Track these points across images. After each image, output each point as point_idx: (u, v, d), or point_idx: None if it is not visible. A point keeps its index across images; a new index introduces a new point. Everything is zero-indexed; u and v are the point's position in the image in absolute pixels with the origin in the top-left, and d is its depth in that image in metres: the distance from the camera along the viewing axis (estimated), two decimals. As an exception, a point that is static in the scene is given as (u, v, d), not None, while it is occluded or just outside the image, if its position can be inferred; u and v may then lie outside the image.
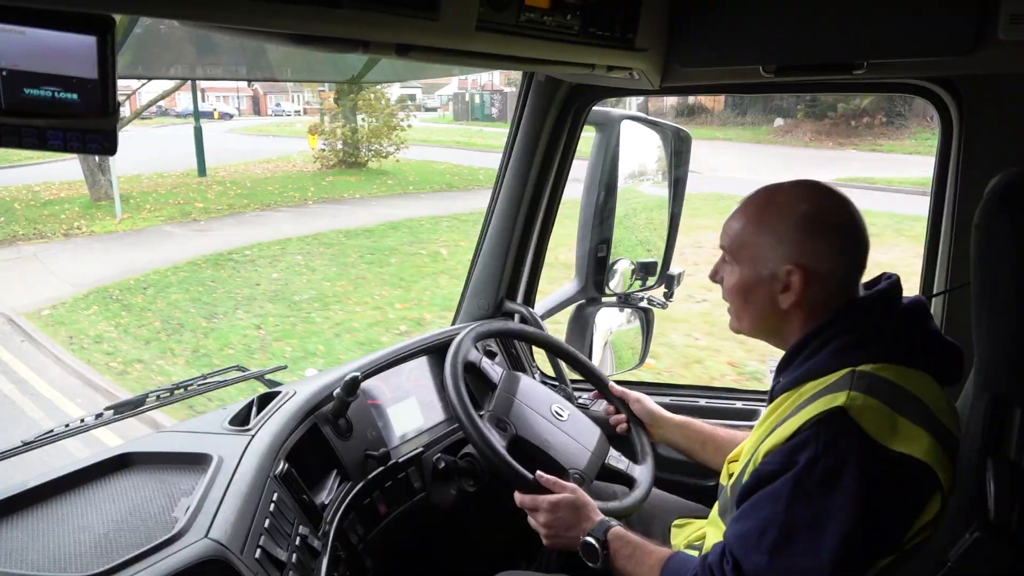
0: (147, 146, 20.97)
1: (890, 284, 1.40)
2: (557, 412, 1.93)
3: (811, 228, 1.36)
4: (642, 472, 1.89)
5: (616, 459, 1.93)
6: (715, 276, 1.52)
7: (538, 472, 1.67)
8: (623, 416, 1.99)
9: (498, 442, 1.72)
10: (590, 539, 1.54)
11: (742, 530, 1.29)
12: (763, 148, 19.56)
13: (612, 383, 2.06)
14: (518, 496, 1.67)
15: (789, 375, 1.39)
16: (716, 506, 1.55)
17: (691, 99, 22.42)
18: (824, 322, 1.36)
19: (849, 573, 1.22)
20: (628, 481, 1.88)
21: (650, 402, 1.98)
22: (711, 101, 24.24)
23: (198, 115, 19.04)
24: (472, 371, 1.95)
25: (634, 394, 2.01)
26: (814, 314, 1.38)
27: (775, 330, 1.44)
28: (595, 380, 2.10)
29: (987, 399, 1.15)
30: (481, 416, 1.78)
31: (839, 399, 1.23)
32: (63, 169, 16.39)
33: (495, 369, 2.01)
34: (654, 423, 1.95)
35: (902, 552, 1.24)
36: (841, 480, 1.19)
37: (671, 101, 21.72)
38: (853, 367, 1.28)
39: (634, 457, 1.95)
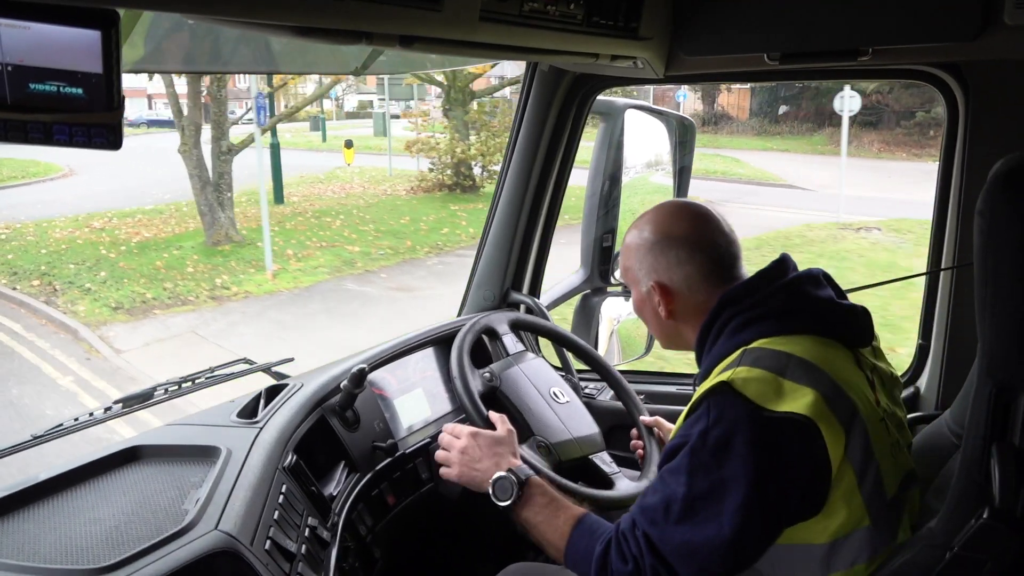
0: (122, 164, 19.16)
1: (776, 262, 1.46)
2: (555, 394, 1.94)
3: (656, 246, 1.48)
4: (636, 484, 1.89)
5: (604, 462, 1.93)
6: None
7: (490, 411, 1.74)
8: (642, 443, 2.00)
9: (475, 386, 1.80)
10: (508, 474, 1.55)
11: (649, 503, 1.33)
12: (836, 160, 17.74)
13: (643, 418, 2.04)
14: (445, 426, 1.72)
15: (702, 367, 1.46)
16: None
17: (716, 106, 21.88)
18: (713, 312, 1.43)
19: (754, 536, 1.26)
20: (607, 485, 1.87)
21: (667, 428, 1.98)
22: (735, 109, 23.93)
23: (274, 130, 14.90)
24: (490, 337, 1.99)
25: (668, 425, 2.01)
26: (699, 316, 1.46)
27: (678, 339, 1.55)
28: (612, 381, 2.14)
29: (991, 385, 1.15)
30: (478, 371, 1.86)
31: (725, 375, 1.28)
32: (101, 191, 15.52)
33: (515, 345, 2.03)
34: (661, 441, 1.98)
35: (825, 516, 1.25)
36: (732, 448, 1.22)
37: (692, 109, 21.32)
38: (744, 346, 1.34)
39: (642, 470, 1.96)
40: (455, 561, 2.12)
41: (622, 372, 2.17)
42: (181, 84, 13.19)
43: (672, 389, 2.51)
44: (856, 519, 1.25)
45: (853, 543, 1.26)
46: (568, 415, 1.93)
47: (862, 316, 1.43)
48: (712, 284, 1.45)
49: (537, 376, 1.96)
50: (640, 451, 1.99)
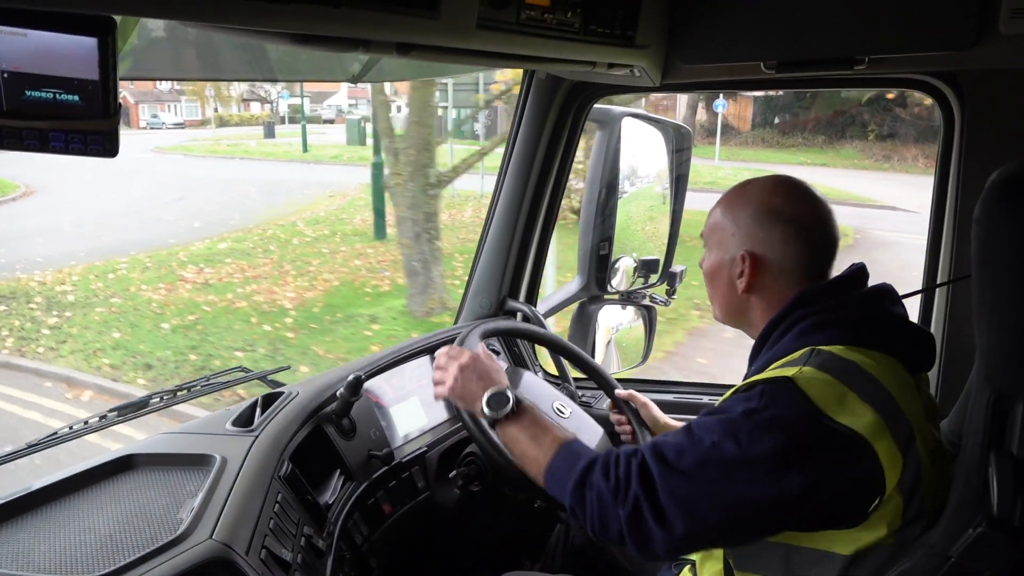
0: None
1: (853, 270, 1.43)
2: (559, 409, 1.93)
3: (765, 218, 1.41)
4: None
5: None
6: (701, 263, 1.57)
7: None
8: (625, 418, 2.00)
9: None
10: (505, 389, 1.52)
11: (664, 440, 1.30)
12: (888, 176, 17.13)
13: (619, 391, 2.05)
14: (439, 352, 1.67)
15: (758, 362, 1.42)
16: None
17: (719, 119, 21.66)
18: (785, 308, 1.40)
19: (749, 521, 1.24)
20: None
21: (655, 410, 1.99)
22: (736, 119, 23.72)
23: (377, 146, 11.07)
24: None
25: (641, 398, 2.01)
26: (773, 302, 1.42)
27: (740, 316, 1.49)
28: (600, 380, 2.10)
29: (989, 393, 1.15)
30: None
31: (790, 371, 1.25)
32: (92, 217, 13.24)
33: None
34: (657, 430, 1.97)
35: (859, 531, 1.24)
36: (770, 434, 1.20)
37: (697, 118, 21.05)
38: (813, 347, 1.30)
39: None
40: (451, 570, 2.11)
41: (620, 380, 2.16)
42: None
43: (670, 397, 2.51)
44: (883, 538, 1.23)
45: (873, 558, 1.24)
46: (576, 427, 1.92)
47: (928, 341, 1.40)
48: (803, 275, 1.41)
49: (537, 397, 1.94)
50: (625, 426, 2.00)
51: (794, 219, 1.41)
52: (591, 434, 1.94)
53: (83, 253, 10.86)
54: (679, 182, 2.62)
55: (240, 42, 1.52)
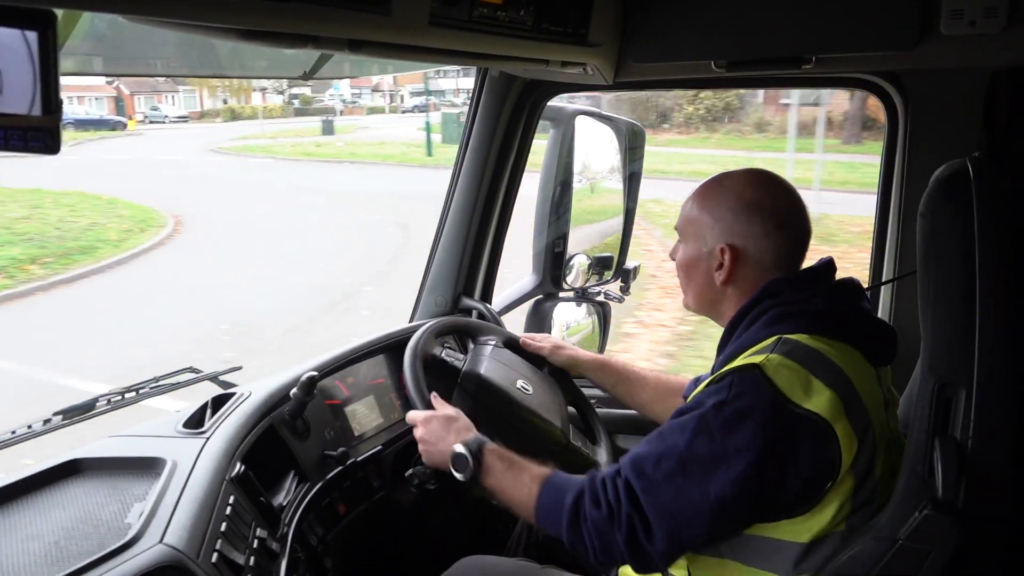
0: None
1: (822, 263, 1.48)
2: (523, 387, 1.94)
3: (745, 210, 1.44)
4: (601, 455, 1.93)
5: (578, 441, 1.97)
6: (673, 254, 1.59)
7: (433, 393, 1.75)
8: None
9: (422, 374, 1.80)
10: (461, 448, 1.56)
11: (640, 452, 1.33)
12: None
13: (522, 338, 2.11)
14: (409, 414, 1.73)
15: (726, 351, 1.45)
16: None
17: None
18: (755, 297, 1.43)
19: (736, 514, 1.28)
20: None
21: (566, 347, 2.07)
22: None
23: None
24: (434, 366, 1.95)
25: (547, 345, 2.08)
26: (748, 292, 1.45)
27: (714, 307, 1.52)
28: (511, 344, 2.13)
29: (933, 382, 1.19)
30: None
31: (758, 359, 1.29)
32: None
33: (457, 358, 2.01)
34: (573, 366, 2.06)
35: (806, 514, 1.28)
36: (743, 425, 1.24)
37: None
38: (780, 335, 1.34)
39: (592, 438, 2.02)
40: (408, 569, 2.11)
41: (575, 379, 2.17)
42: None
43: None
44: (835, 524, 1.27)
45: (825, 547, 1.28)
46: (540, 403, 1.94)
47: (890, 335, 1.44)
48: (778, 267, 1.44)
49: (502, 374, 1.95)
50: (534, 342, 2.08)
51: (772, 211, 1.44)
52: (556, 408, 1.96)
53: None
54: (632, 180, 2.65)
55: (187, 37, 1.49)
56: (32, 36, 0.86)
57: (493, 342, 2.05)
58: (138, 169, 19.35)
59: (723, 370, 1.32)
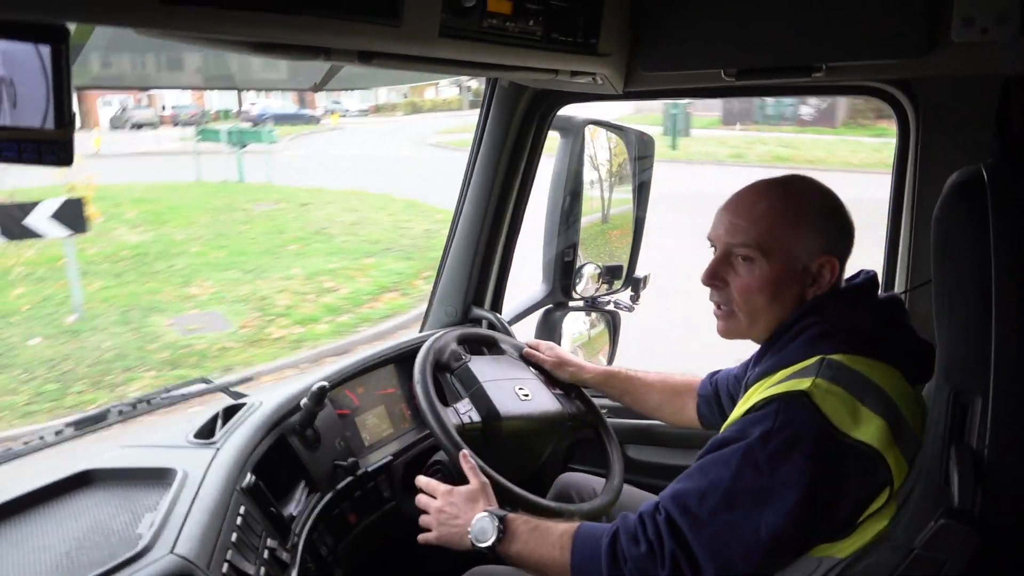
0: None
1: (866, 279, 1.44)
2: (521, 393, 1.96)
3: (836, 217, 1.40)
4: (610, 478, 1.91)
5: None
6: (713, 279, 1.47)
7: (463, 452, 1.69)
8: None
9: (447, 418, 1.78)
10: (484, 514, 1.50)
11: (683, 488, 1.29)
12: None
13: (526, 349, 2.13)
14: (419, 478, 1.69)
15: (763, 364, 1.42)
16: None
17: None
18: (798, 314, 1.39)
19: (789, 547, 1.25)
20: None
21: (570, 360, 2.08)
22: None
23: None
24: (443, 372, 1.96)
25: (549, 358, 2.08)
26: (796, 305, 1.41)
27: (764, 329, 1.45)
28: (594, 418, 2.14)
29: (949, 389, 1.18)
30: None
31: (804, 383, 1.25)
32: None
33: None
34: (579, 381, 2.08)
35: (848, 537, 1.26)
36: (791, 457, 1.21)
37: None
38: (824, 355, 1.30)
39: (606, 466, 2.00)
40: None
41: (584, 386, 2.17)
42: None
43: None
44: (876, 541, 1.25)
45: (862, 560, 1.26)
46: (538, 407, 1.97)
47: (929, 353, 1.36)
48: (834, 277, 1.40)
49: (500, 379, 1.98)
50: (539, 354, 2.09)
51: (846, 216, 1.42)
52: (553, 411, 1.98)
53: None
54: (641, 189, 2.64)
55: (199, 50, 1.50)
56: (45, 50, 0.86)
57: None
58: (382, 165, 18.75)
59: (767, 396, 1.28)
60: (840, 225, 1.40)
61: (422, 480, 1.68)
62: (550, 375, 2.09)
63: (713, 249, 1.48)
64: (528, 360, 2.10)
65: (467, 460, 1.66)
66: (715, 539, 1.24)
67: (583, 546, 1.37)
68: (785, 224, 1.38)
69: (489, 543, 1.47)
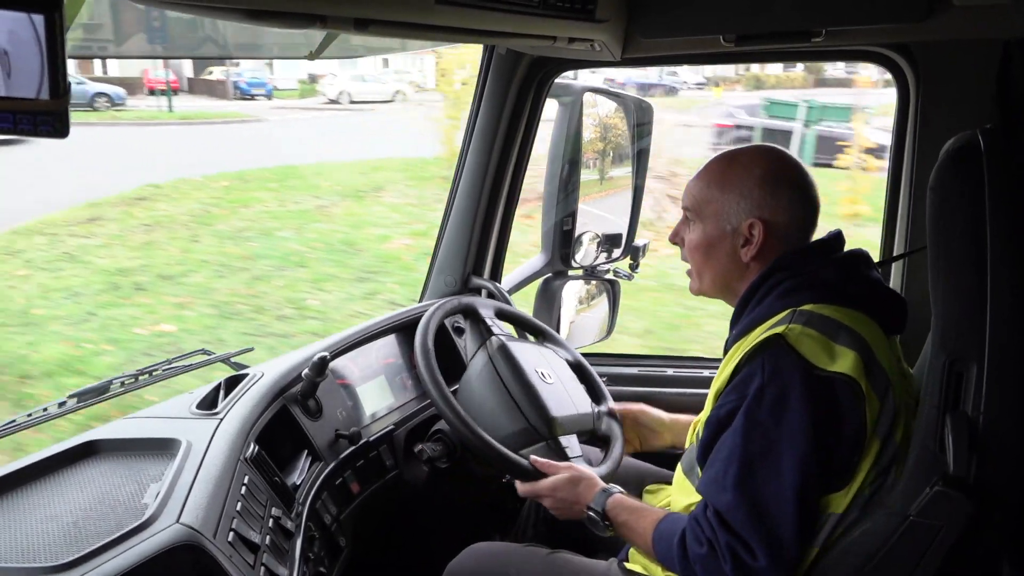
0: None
1: (832, 235, 1.49)
2: (543, 374, 1.92)
3: (770, 183, 1.45)
4: (611, 449, 1.92)
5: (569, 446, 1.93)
6: (675, 237, 1.59)
7: (532, 457, 1.70)
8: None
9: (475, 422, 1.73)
10: (591, 513, 1.57)
11: (710, 476, 1.34)
12: None
13: (612, 405, 2.02)
14: (520, 487, 1.70)
15: (739, 325, 1.46)
16: (679, 467, 1.59)
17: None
18: (767, 270, 1.44)
19: (814, 490, 1.28)
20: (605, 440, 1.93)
21: (653, 412, 1.98)
22: None
23: None
24: (444, 346, 1.96)
25: (633, 410, 1.99)
26: (759, 265, 1.47)
27: (730, 286, 1.52)
28: (547, 337, 2.15)
29: (944, 357, 1.19)
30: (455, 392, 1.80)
31: (778, 330, 1.30)
32: None
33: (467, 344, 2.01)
34: (663, 432, 1.96)
35: (844, 488, 1.29)
36: (788, 404, 1.25)
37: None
38: (794, 307, 1.35)
39: (596, 398, 2.03)
40: (421, 546, 2.12)
41: (585, 355, 2.18)
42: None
43: (635, 371, 2.53)
44: (863, 488, 1.29)
45: (852, 513, 1.30)
46: (559, 393, 1.92)
47: (901, 304, 1.45)
48: (799, 239, 1.46)
49: (522, 360, 1.94)
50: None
51: (797, 183, 1.46)
52: (575, 398, 1.96)
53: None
54: (640, 156, 2.63)
55: (190, 18, 1.49)
56: (39, 19, 0.85)
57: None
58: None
59: (749, 350, 1.32)
60: (773, 191, 1.44)
61: (522, 488, 1.70)
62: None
63: None
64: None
65: (537, 462, 1.70)
66: (751, 510, 1.27)
67: (661, 544, 1.44)
68: (718, 188, 1.49)
69: (600, 533, 1.57)
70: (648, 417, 1.97)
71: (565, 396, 1.94)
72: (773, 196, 1.45)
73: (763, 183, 1.45)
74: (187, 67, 27.74)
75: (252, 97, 26.55)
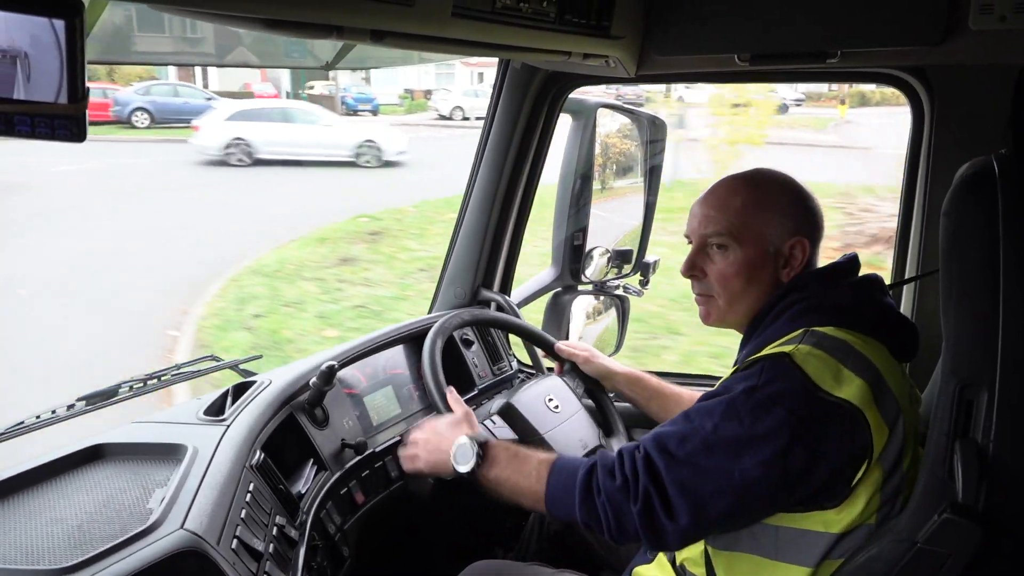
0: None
1: (847, 259, 1.47)
2: (551, 403, 1.95)
3: (803, 202, 1.45)
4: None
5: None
6: (693, 269, 1.51)
7: (450, 388, 1.74)
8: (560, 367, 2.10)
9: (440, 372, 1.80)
10: (464, 439, 1.54)
11: (665, 431, 1.32)
12: None
13: (559, 344, 2.11)
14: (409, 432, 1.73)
15: (750, 345, 1.45)
16: None
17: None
18: (779, 294, 1.43)
19: (757, 499, 1.26)
20: None
21: (601, 358, 2.05)
22: None
23: None
24: (452, 358, 1.96)
25: (582, 353, 2.06)
26: (775, 287, 1.45)
27: (762, 311, 1.46)
28: (543, 344, 2.16)
29: (955, 383, 1.17)
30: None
31: (787, 348, 1.29)
32: None
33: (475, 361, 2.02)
34: (606, 377, 2.03)
35: (839, 507, 1.27)
36: (772, 411, 1.23)
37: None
38: (807, 328, 1.34)
39: (608, 430, 2.04)
40: (423, 560, 2.12)
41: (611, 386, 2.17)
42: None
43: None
44: (865, 517, 1.27)
45: (855, 538, 1.28)
46: (569, 423, 1.94)
47: (912, 331, 1.44)
48: (816, 257, 1.46)
49: (528, 390, 1.98)
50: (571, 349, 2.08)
51: (813, 199, 1.46)
52: (585, 429, 1.96)
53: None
54: (652, 173, 2.63)
55: (212, 25, 1.50)
56: (60, 24, 0.86)
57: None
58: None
59: (753, 357, 1.32)
60: (806, 208, 1.44)
61: (411, 430, 1.73)
62: (579, 371, 2.08)
63: (690, 244, 1.52)
64: (557, 354, 2.10)
65: (452, 392, 1.73)
66: (689, 479, 1.26)
67: (559, 476, 1.41)
68: (754, 210, 1.44)
69: (469, 466, 1.51)
70: (593, 365, 2.04)
71: (578, 420, 1.98)
72: (804, 214, 1.44)
73: (796, 201, 1.44)
74: (284, 80, 27.21)
75: (356, 112, 26.04)
